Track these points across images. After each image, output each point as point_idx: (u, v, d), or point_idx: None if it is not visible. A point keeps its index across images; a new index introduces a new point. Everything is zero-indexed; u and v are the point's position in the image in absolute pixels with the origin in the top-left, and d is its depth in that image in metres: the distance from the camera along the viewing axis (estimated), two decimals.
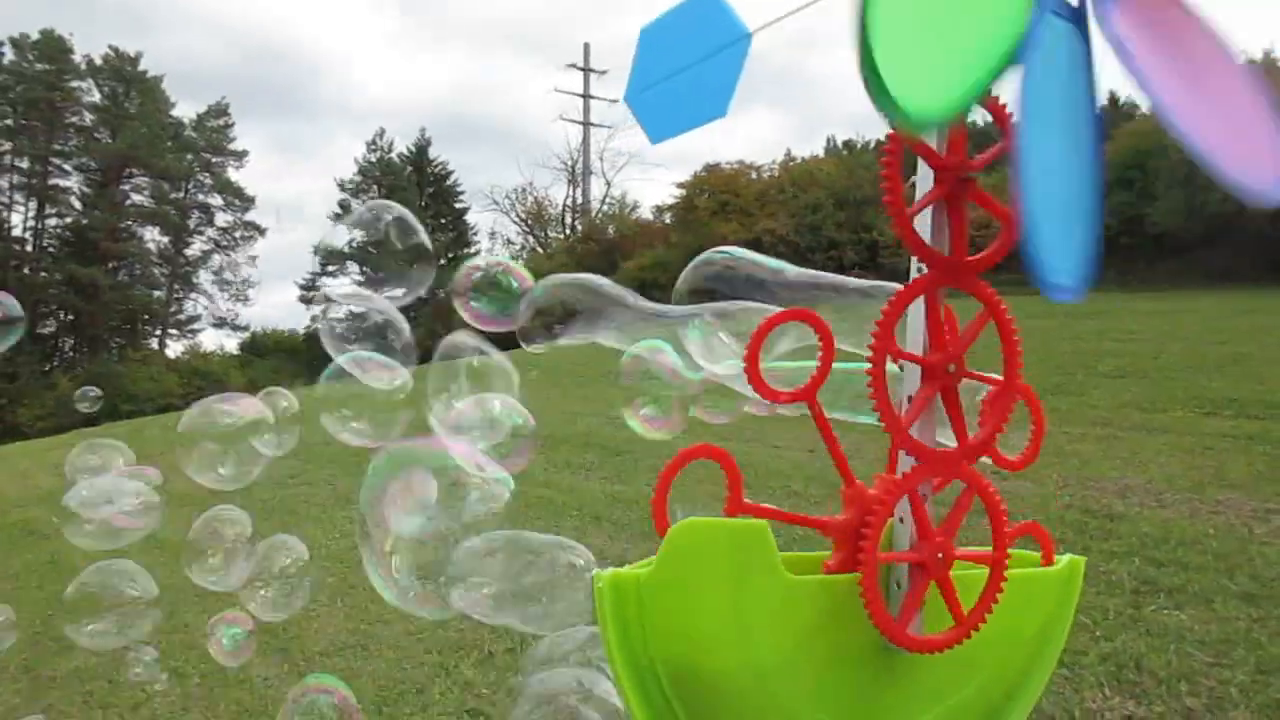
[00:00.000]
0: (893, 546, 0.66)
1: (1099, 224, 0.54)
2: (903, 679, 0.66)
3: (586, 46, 41.43)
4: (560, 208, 43.46)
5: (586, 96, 41.36)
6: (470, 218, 46.07)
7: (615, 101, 40.74)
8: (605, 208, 41.07)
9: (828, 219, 24.29)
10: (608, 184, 42.12)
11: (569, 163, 42.74)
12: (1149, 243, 19.58)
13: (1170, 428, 7.23)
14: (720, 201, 27.24)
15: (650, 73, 0.77)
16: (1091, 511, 5.23)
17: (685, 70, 0.73)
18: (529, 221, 43.53)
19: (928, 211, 0.66)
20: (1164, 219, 19.03)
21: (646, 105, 0.78)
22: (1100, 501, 5.42)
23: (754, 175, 28.93)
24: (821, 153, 31.93)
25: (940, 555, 0.64)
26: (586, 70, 41.04)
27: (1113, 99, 27.97)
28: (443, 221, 45.59)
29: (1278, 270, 16.21)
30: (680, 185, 29.89)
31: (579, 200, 42.60)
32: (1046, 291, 0.53)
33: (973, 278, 0.64)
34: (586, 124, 41.98)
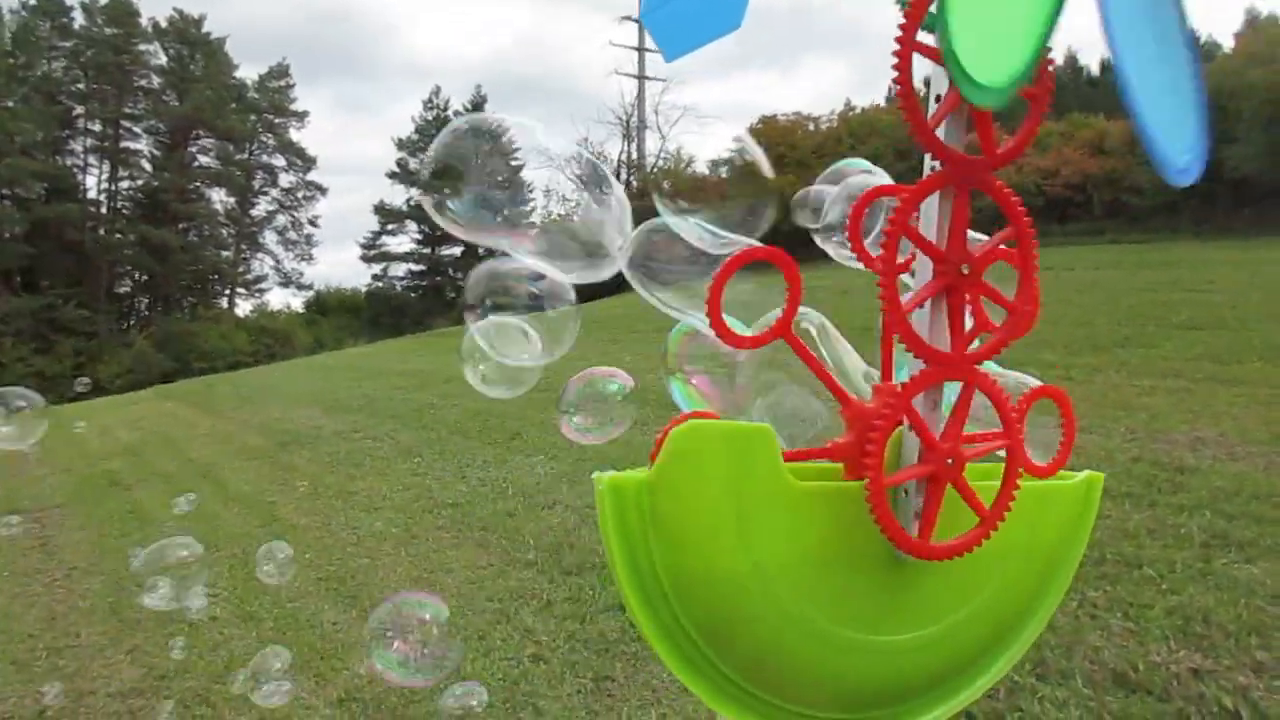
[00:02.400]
0: (900, 453, 0.65)
1: (1205, 104, 0.53)
2: (917, 586, 0.65)
3: None
4: (615, 163, 43.24)
5: (641, 50, 40.86)
6: (525, 174, 46.05)
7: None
8: (660, 162, 40.74)
9: (887, 170, 23.69)
10: (663, 138, 41.70)
11: (624, 117, 42.39)
12: (1227, 189, 18.75)
13: (1246, 379, 6.98)
14: (777, 155, 26.80)
15: None
16: (1160, 464, 5.10)
17: None
18: (584, 178, 43.37)
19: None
20: (1243, 163, 18.18)
21: (661, 22, 0.76)
22: (1170, 455, 5.28)
23: (811, 127, 28.37)
24: (882, 102, 31.14)
25: (950, 461, 0.62)
26: (641, 22, 40.51)
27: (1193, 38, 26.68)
28: (498, 178, 45.65)
29: None
30: (738, 139, 29.42)
31: (634, 155, 42.32)
32: (1169, 176, 0.52)
33: (988, 175, 0.62)
34: (641, 77, 41.53)
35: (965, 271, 0.63)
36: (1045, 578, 0.73)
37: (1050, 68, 0.63)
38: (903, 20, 0.57)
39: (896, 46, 0.58)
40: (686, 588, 0.61)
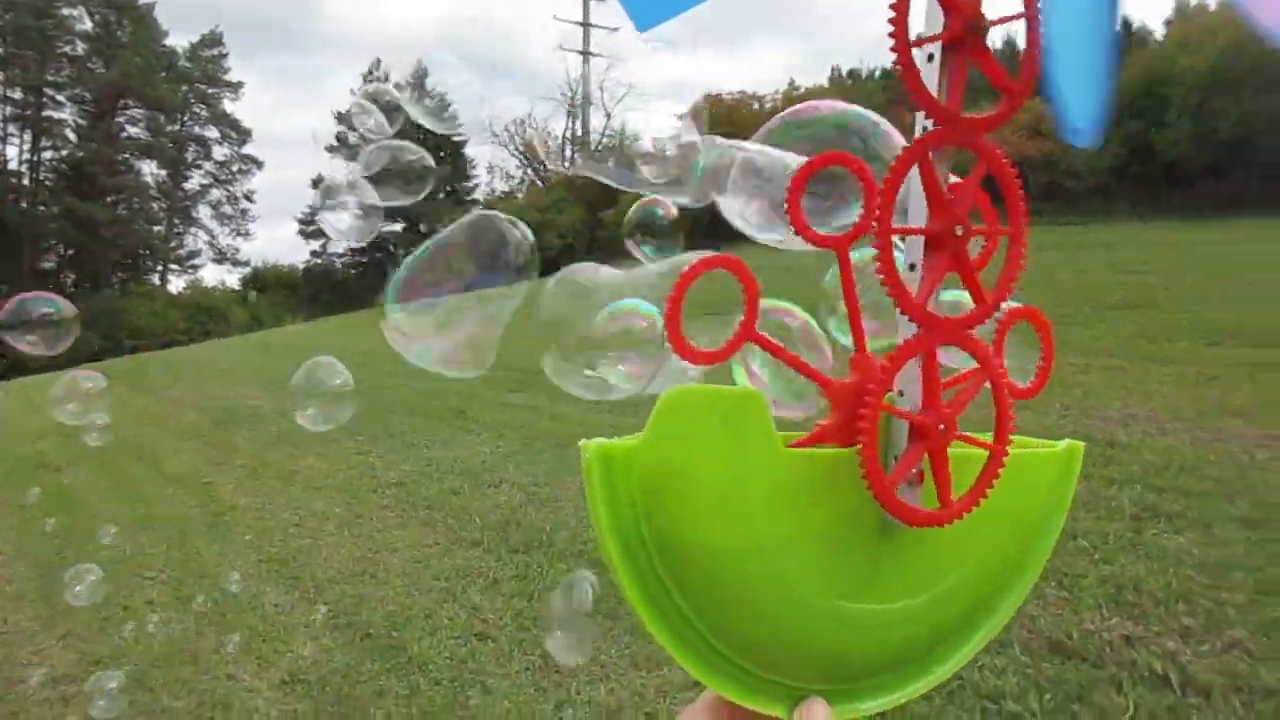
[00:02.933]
0: (894, 429, 0.65)
1: (1114, 75, 0.53)
2: (904, 555, 0.65)
3: None
4: (560, 140, 42.86)
5: (586, 25, 40.48)
6: (469, 150, 45.48)
7: (616, 30, 39.88)
8: (605, 140, 40.53)
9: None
10: (607, 116, 41.46)
11: (568, 94, 42.04)
12: (1159, 172, 19.33)
13: (1176, 358, 7.22)
14: (723, 133, 26.85)
15: None
16: (1094, 439, 5.24)
17: None
18: (527, 154, 42.99)
19: (934, 71, 0.62)
20: (1174, 147, 18.75)
21: None
22: (1103, 430, 5.43)
23: (756, 106, 28.44)
24: (826, 83, 31.34)
25: (942, 426, 0.62)
26: None
27: (1125, 26, 27.33)
28: (441, 154, 45.06)
29: None
30: (681, 117, 29.40)
31: (578, 132, 42.01)
32: (1065, 133, 0.51)
33: (979, 134, 0.61)
34: (586, 53, 41.19)
35: (959, 233, 0.62)
36: (1027, 546, 0.73)
37: (1035, 51, 0.63)
38: None
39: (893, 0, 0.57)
40: (678, 559, 0.59)
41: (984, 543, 0.69)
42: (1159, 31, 25.38)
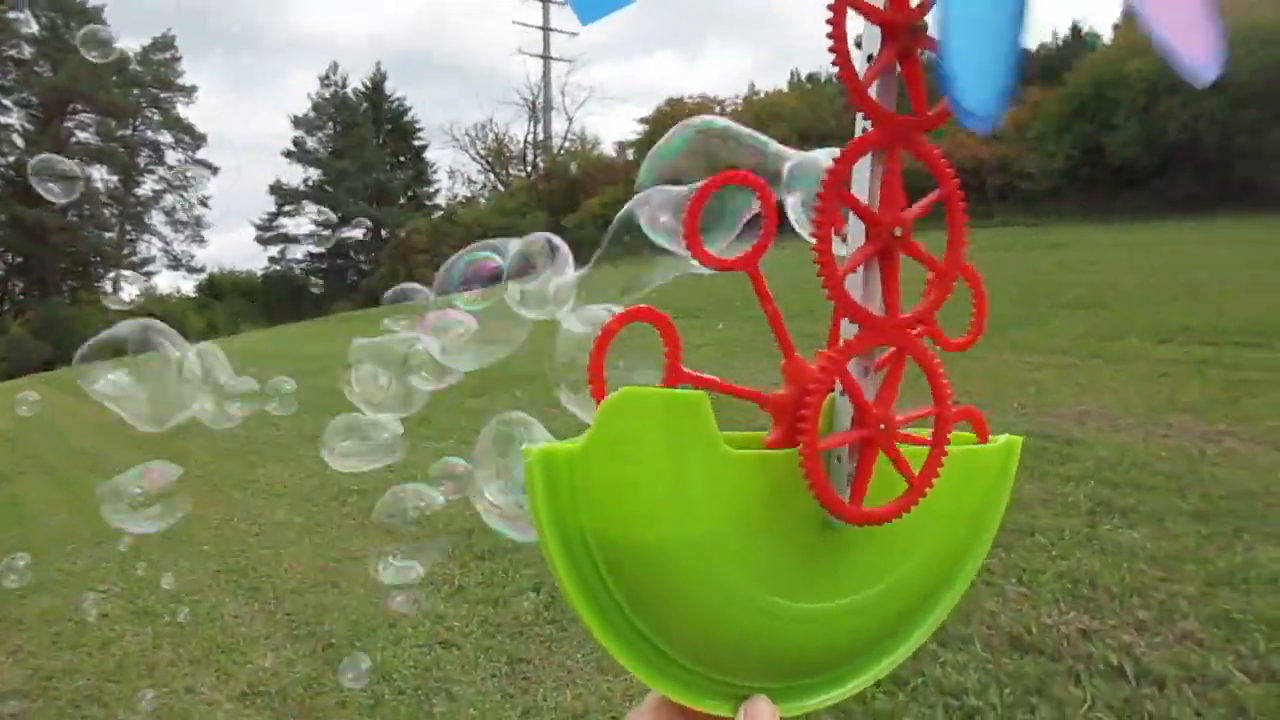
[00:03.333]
0: (833, 421, 0.66)
1: (1018, 57, 0.53)
2: (848, 552, 0.66)
3: None
4: (521, 144, 42.74)
5: (546, 29, 40.40)
6: (429, 155, 45.20)
7: (576, 34, 39.83)
8: (567, 144, 40.47)
9: None
10: (569, 120, 41.49)
11: (530, 98, 41.92)
12: (1109, 174, 19.74)
13: (1126, 356, 7.38)
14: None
15: None
16: (1050, 437, 5.34)
17: None
18: (489, 159, 42.81)
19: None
20: (1122, 149, 19.16)
21: None
22: (1058, 427, 5.54)
23: (717, 110, 28.60)
24: (785, 87, 31.59)
25: (883, 426, 0.63)
26: (546, 1, 40.02)
27: (1074, 29, 27.89)
28: (401, 160, 44.68)
29: (1233, 199, 16.44)
30: (642, 120, 29.52)
31: (540, 137, 41.90)
32: (959, 116, 0.51)
33: (920, 137, 0.62)
34: (547, 58, 41.11)
35: (898, 234, 0.63)
36: (969, 541, 0.74)
37: None
38: None
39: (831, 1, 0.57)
40: (620, 561, 0.60)
41: (927, 538, 0.70)
42: (1107, 35, 25.92)
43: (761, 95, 29.69)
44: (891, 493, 0.64)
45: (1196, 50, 0.55)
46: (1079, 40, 26.92)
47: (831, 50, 0.57)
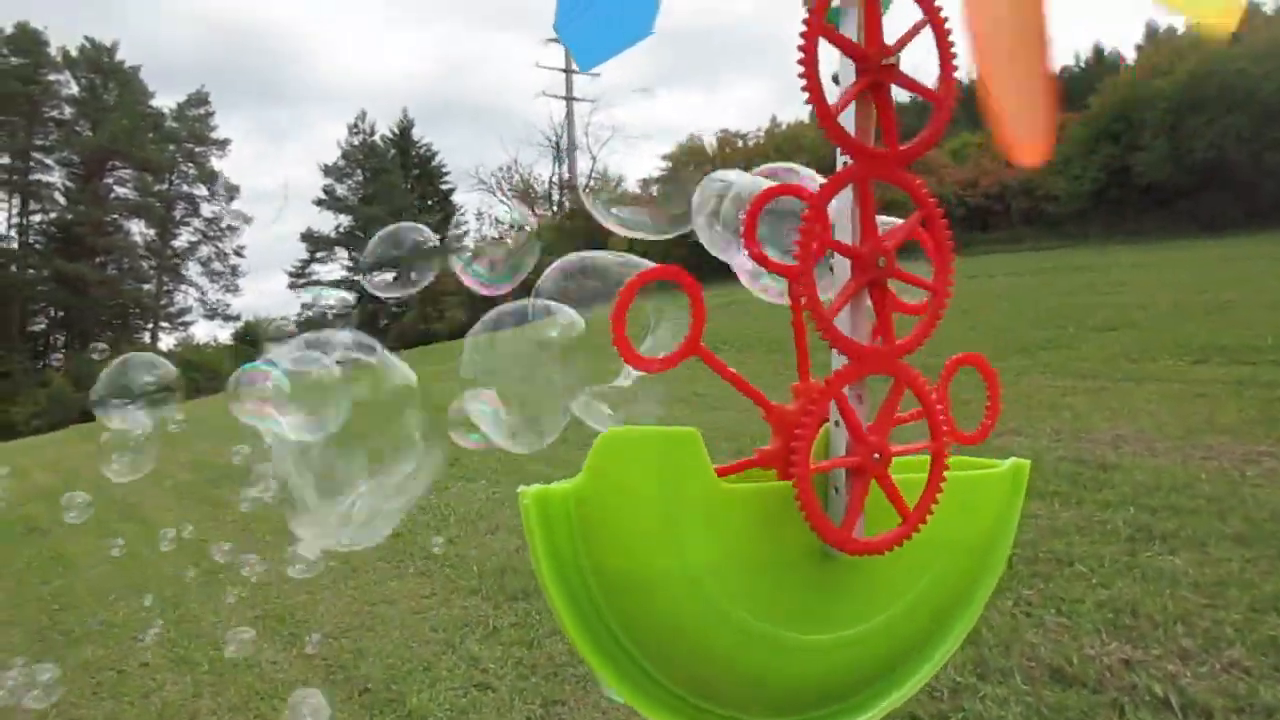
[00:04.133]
0: (829, 450, 0.66)
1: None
2: (847, 585, 0.66)
3: None
4: (547, 184, 43.24)
5: (569, 71, 41.01)
6: (456, 198, 45.83)
7: (598, 75, 40.37)
8: (591, 182, 40.83)
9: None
10: (593, 159, 41.84)
11: (554, 139, 42.47)
12: (1136, 194, 19.57)
13: (1160, 377, 7.27)
14: (706, 173, 27.16)
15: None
16: (1085, 463, 5.27)
17: None
18: (517, 199, 43.28)
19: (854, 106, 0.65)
20: (1150, 170, 19.01)
21: (575, 33, 0.77)
22: (1093, 453, 5.46)
23: (740, 144, 28.80)
24: (806, 118, 31.75)
25: (877, 455, 0.63)
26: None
27: (1098, 52, 27.84)
28: (429, 203, 45.34)
29: (1261, 217, 16.23)
30: (665, 157, 29.75)
31: (565, 176, 42.38)
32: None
33: (900, 169, 0.64)
34: (570, 99, 41.70)
35: (882, 264, 0.64)
36: (978, 568, 0.74)
37: (955, 74, 0.66)
38: (806, 15, 0.59)
39: (801, 42, 0.59)
40: (618, 597, 0.61)
41: (932, 566, 0.70)
42: (1130, 56, 25.83)
43: (783, 127, 29.84)
44: (894, 522, 0.65)
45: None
46: (1102, 62, 26.85)
47: (805, 89, 0.59)
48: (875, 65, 0.63)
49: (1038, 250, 18.44)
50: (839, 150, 0.65)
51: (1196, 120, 18.01)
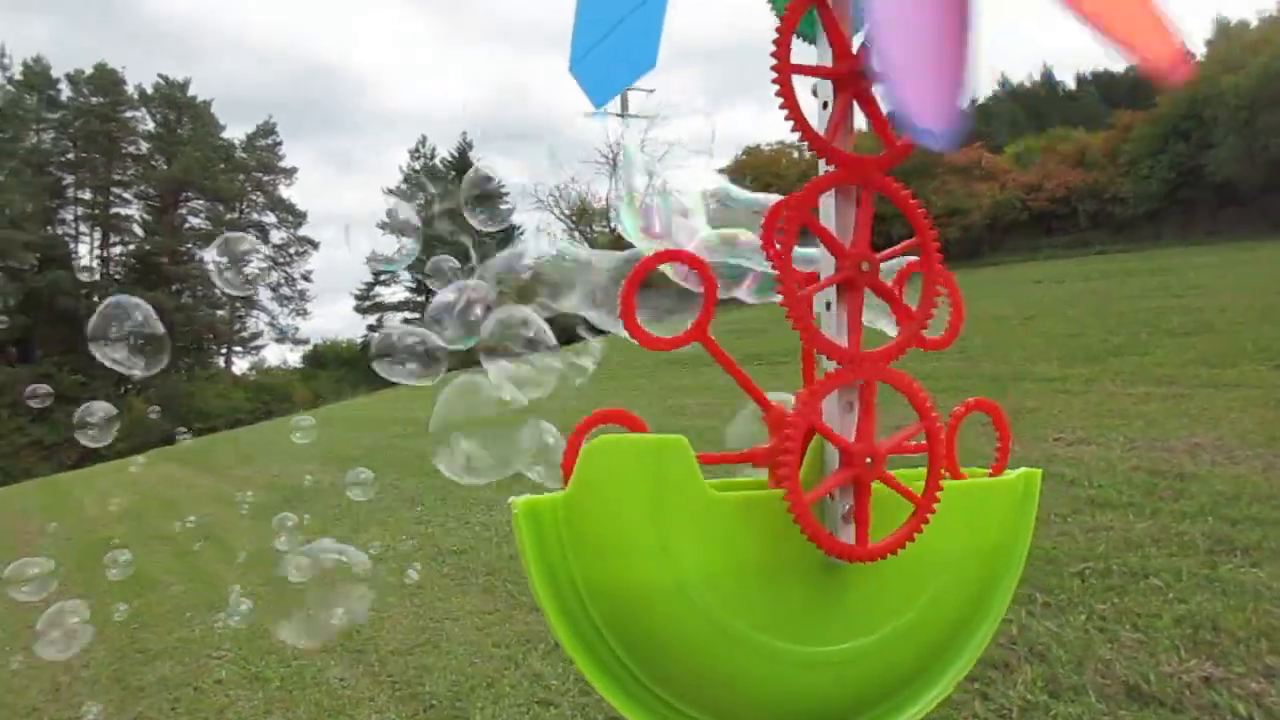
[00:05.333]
0: (824, 458, 0.65)
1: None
2: (849, 595, 0.64)
3: None
4: (604, 201, 43.51)
5: (624, 90, 41.24)
6: (515, 217, 46.41)
7: (652, 91, 40.54)
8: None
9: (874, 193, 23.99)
10: (649, 175, 41.98)
11: (609, 156, 42.75)
12: (1209, 194, 18.94)
13: (1240, 382, 7.00)
14: (763, 184, 27.02)
15: (587, 39, 0.77)
16: (1160, 472, 5.10)
17: (616, 28, 0.74)
18: (574, 217, 43.66)
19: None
20: (1222, 167, 18.38)
21: (587, 72, 0.78)
22: (1169, 462, 5.28)
23: (795, 155, 28.64)
24: (864, 127, 31.45)
25: (869, 460, 0.62)
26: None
27: None
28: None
29: None
30: (721, 170, 29.65)
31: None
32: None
33: (878, 174, 0.63)
34: (625, 116, 41.95)
35: (865, 268, 0.64)
36: (990, 580, 0.72)
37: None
38: (779, 24, 0.59)
39: (774, 49, 0.59)
40: (611, 607, 0.60)
41: (938, 577, 0.68)
42: (1200, 52, 25.06)
43: None
44: (894, 526, 0.63)
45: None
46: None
47: (779, 95, 0.59)
48: (848, 80, 0.63)
49: (1106, 254, 17.96)
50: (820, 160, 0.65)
51: (1271, 116, 17.37)
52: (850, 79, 0.63)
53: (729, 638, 0.62)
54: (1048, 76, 32.19)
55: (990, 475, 0.72)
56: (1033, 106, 30.65)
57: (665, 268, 0.83)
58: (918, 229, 0.66)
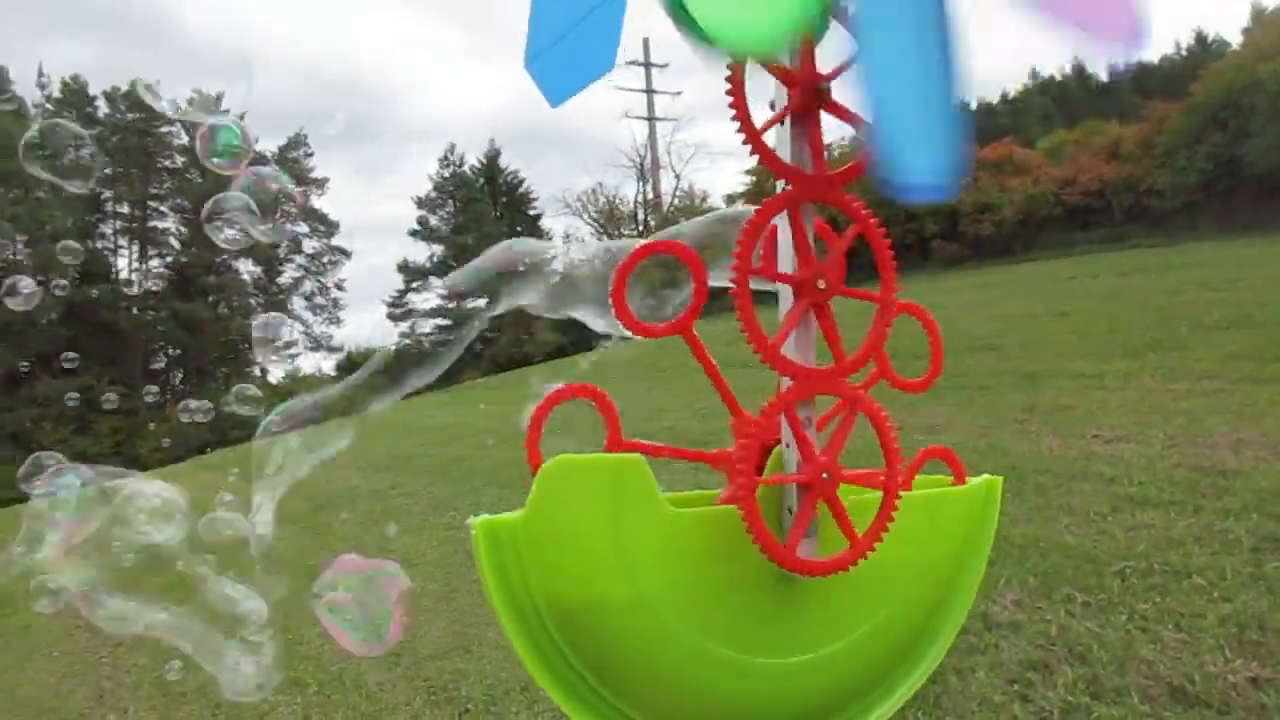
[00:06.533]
0: (784, 469, 0.64)
1: (959, 117, 0.49)
2: (807, 607, 0.64)
3: (646, 41, 41.41)
4: (632, 205, 43.57)
5: (649, 92, 41.34)
6: (544, 223, 46.62)
7: (679, 94, 40.57)
8: (676, 201, 41.00)
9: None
10: (676, 177, 42.00)
11: (637, 160, 42.80)
12: (1249, 184, 18.58)
13: None
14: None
15: (544, 36, 0.77)
16: (1203, 469, 5.00)
17: (574, 28, 0.74)
18: (602, 221, 43.78)
19: (788, 130, 0.64)
20: (1262, 157, 18.02)
21: (543, 69, 0.78)
22: (1212, 458, 5.18)
23: (836, 153, 28.54)
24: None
25: (826, 475, 0.61)
26: (648, 65, 41.01)
27: (1200, 38, 26.62)
28: (518, 229, 46.24)
29: None
30: (749, 172, 29.62)
31: (650, 196, 42.63)
32: (902, 193, 0.49)
33: (836, 190, 0.62)
34: (651, 119, 41.98)
35: (823, 286, 0.63)
36: (947, 589, 0.71)
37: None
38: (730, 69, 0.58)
39: (728, 73, 0.59)
40: (570, 624, 0.60)
41: (899, 587, 0.67)
42: (1236, 40, 24.63)
43: None
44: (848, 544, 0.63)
45: (1113, 28, 0.52)
46: (1206, 49, 25.69)
47: (735, 119, 0.59)
48: (806, 89, 0.62)
49: (1142, 248, 17.68)
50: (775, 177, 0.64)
51: None
52: (806, 89, 0.62)
53: (689, 651, 0.62)
54: (1079, 70, 31.76)
55: (924, 379, 0.71)
56: (1065, 100, 30.28)
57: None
58: (876, 249, 0.65)
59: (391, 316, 44.70)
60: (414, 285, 44.34)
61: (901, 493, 0.64)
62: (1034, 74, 33.04)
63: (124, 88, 41.26)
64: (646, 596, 0.60)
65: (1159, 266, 13.47)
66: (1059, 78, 32.54)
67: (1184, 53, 26.22)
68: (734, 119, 0.62)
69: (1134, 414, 6.40)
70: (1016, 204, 21.45)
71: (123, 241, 42.93)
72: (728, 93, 0.60)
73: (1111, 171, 20.95)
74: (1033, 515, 4.71)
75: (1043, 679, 3.09)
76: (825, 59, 0.62)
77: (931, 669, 0.70)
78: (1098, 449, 5.78)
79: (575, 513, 0.60)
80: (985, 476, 0.72)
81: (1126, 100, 25.16)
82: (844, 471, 0.63)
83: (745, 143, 0.61)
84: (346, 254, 47.21)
